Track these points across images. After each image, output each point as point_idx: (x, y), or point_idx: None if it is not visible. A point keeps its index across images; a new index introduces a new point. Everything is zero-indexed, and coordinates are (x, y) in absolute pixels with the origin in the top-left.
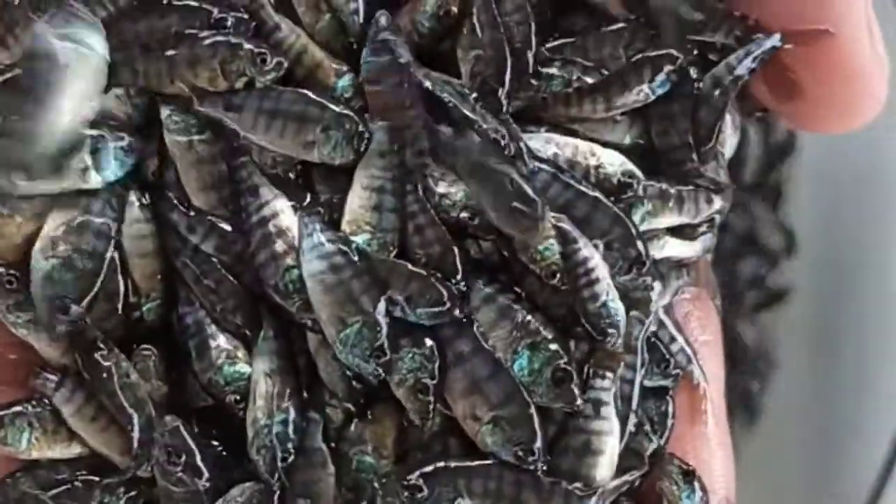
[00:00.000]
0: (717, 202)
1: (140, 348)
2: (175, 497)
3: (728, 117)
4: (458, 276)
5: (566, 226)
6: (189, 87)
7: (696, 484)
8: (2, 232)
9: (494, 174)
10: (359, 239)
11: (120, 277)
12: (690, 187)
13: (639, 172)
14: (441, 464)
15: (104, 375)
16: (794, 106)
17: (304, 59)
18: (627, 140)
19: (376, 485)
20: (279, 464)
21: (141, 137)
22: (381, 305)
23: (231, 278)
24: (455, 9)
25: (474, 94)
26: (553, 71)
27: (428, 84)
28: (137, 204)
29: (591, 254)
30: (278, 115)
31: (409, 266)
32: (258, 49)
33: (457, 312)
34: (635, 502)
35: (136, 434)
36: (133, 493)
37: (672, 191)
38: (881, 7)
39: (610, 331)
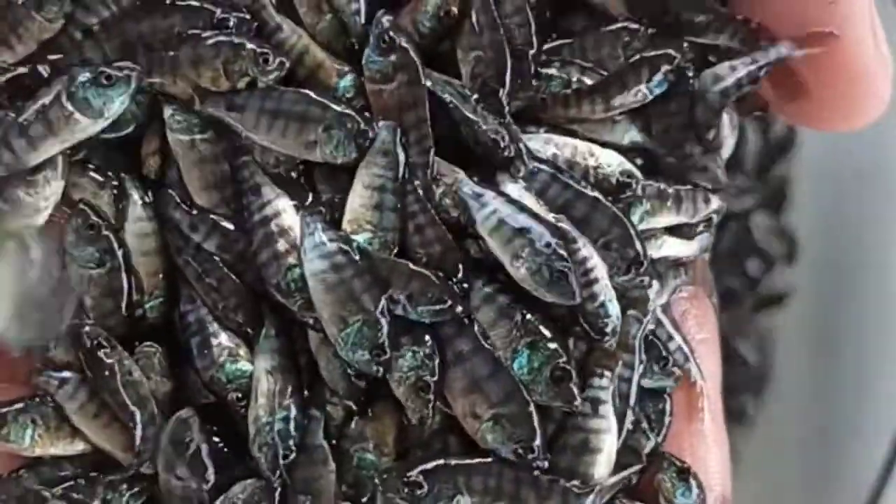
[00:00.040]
0: (715, 202)
1: (143, 346)
2: (178, 494)
3: (726, 117)
4: (459, 276)
5: (565, 226)
6: (192, 86)
7: (693, 481)
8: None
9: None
10: (360, 238)
11: (123, 275)
12: (688, 187)
13: (637, 172)
14: (441, 461)
15: (107, 373)
16: (798, 106)
17: (305, 60)
18: (626, 140)
19: (377, 481)
20: (280, 461)
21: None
22: (382, 304)
23: (233, 277)
24: (455, 9)
25: (475, 96)
26: (552, 72)
27: (429, 84)
28: (140, 202)
29: (590, 254)
30: (280, 115)
31: (410, 265)
32: (261, 49)
33: (457, 311)
34: (632, 499)
35: (138, 431)
36: (136, 490)
37: (670, 190)
38: (882, 8)
39: (607, 330)
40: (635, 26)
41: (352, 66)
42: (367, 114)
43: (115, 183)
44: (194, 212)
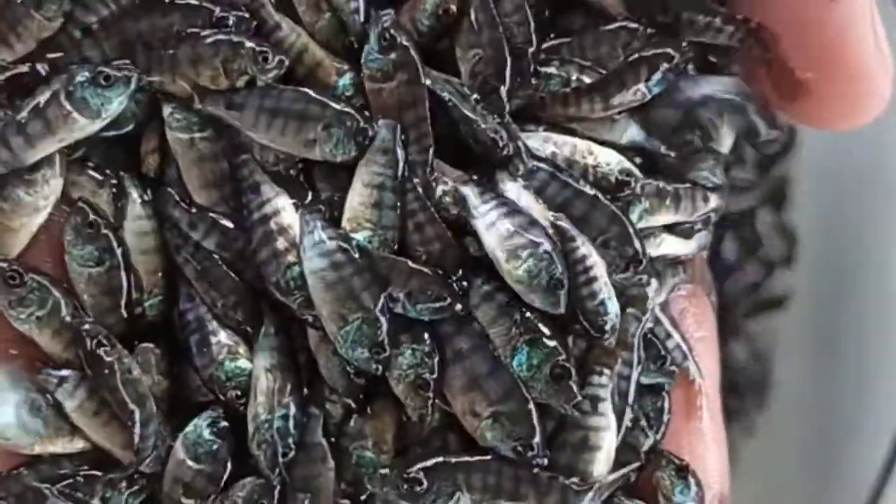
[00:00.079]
0: (714, 200)
1: (142, 344)
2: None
3: (724, 116)
4: (458, 274)
5: (564, 224)
6: (191, 85)
7: (691, 479)
8: (5, 227)
9: None
10: (359, 236)
11: (123, 273)
12: (687, 185)
13: (636, 171)
14: (440, 458)
15: (106, 371)
16: (799, 104)
17: (304, 58)
18: (625, 139)
19: (369, 479)
20: (280, 459)
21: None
22: (382, 302)
23: (232, 275)
24: (454, 7)
25: (474, 94)
26: (551, 70)
27: (429, 83)
28: (139, 201)
29: (589, 252)
30: (279, 114)
31: (410, 263)
32: (260, 48)
33: (457, 309)
34: (631, 497)
35: (137, 429)
36: (135, 488)
37: (669, 189)
38: (882, 7)
39: (606, 328)
40: (634, 25)
41: (351, 64)
42: (366, 112)
43: (114, 181)
44: (193, 210)
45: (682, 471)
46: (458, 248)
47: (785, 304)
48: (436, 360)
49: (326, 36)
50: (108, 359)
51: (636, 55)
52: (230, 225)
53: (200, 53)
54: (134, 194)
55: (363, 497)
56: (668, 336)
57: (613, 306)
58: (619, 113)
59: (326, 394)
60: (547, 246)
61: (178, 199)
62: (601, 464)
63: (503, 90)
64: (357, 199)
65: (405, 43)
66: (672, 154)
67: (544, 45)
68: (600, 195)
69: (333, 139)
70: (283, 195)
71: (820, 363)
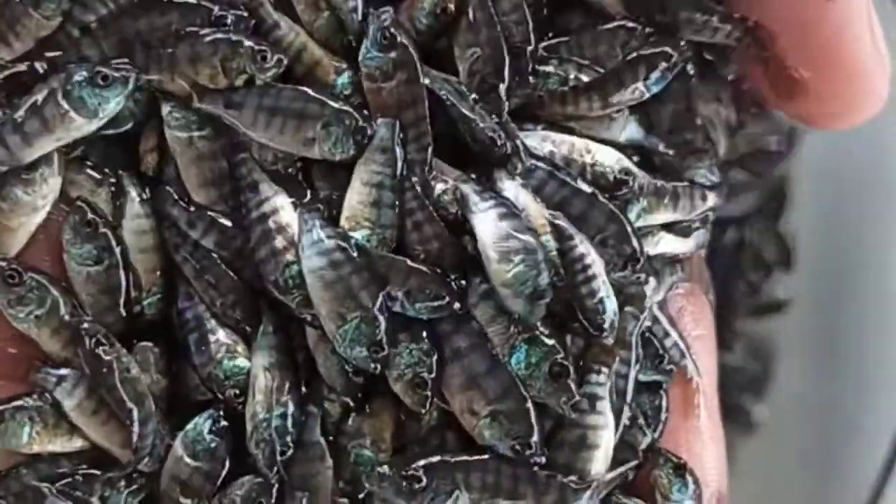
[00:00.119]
0: (711, 199)
1: (141, 343)
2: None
3: (721, 114)
4: (456, 272)
5: (563, 223)
6: (190, 84)
7: (689, 477)
8: (4, 226)
9: None
10: (358, 235)
11: (121, 272)
12: (685, 184)
13: (635, 169)
14: (439, 457)
15: (105, 370)
16: (797, 103)
17: (303, 57)
18: (623, 138)
19: (376, 473)
20: (278, 457)
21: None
22: (380, 301)
23: (231, 274)
24: (452, 6)
25: (472, 93)
26: (549, 69)
27: (427, 81)
28: (138, 199)
29: (588, 250)
30: (278, 112)
31: (408, 262)
32: (258, 46)
33: (455, 308)
34: (629, 495)
35: (135, 429)
36: (134, 487)
37: (667, 187)
38: (881, 6)
39: (605, 326)
40: (633, 24)
41: (349, 63)
42: (364, 111)
43: (112, 180)
44: (192, 209)
45: (680, 469)
46: (457, 246)
47: (784, 308)
48: (434, 358)
49: (325, 35)
50: (107, 358)
51: (635, 54)
52: (229, 223)
53: (199, 52)
54: (132, 193)
55: (361, 495)
56: (666, 334)
57: (612, 305)
58: (618, 111)
59: (325, 392)
60: (540, 255)
61: (176, 197)
62: (599, 462)
63: (501, 89)
64: (356, 197)
65: (404, 42)
66: (670, 153)
67: (542, 44)
68: (598, 194)
69: (332, 138)
70: (281, 194)
71: (820, 363)
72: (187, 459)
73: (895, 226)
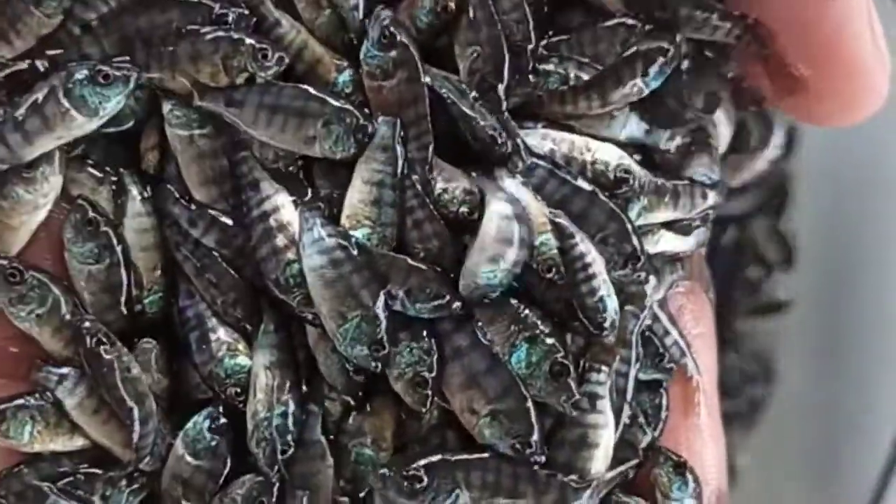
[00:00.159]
0: (712, 197)
1: (142, 341)
2: (181, 490)
3: (721, 111)
4: (457, 271)
5: (563, 221)
6: (191, 82)
7: (689, 475)
8: (5, 225)
9: None
10: (359, 233)
11: (123, 271)
12: (686, 182)
13: (635, 167)
14: (440, 456)
15: (105, 369)
16: (796, 101)
17: (304, 55)
18: (623, 136)
19: (375, 475)
20: (279, 456)
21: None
22: (381, 300)
23: (232, 272)
24: (453, 5)
25: (473, 91)
26: (550, 67)
27: (428, 80)
28: (139, 198)
29: (588, 249)
30: (279, 111)
31: (409, 260)
32: (259, 45)
33: (454, 307)
34: (629, 494)
35: (136, 428)
36: (135, 486)
37: (668, 185)
38: (881, 4)
39: (606, 325)
40: (632, 22)
41: (350, 61)
42: (365, 109)
43: (113, 178)
44: (193, 207)
45: (680, 467)
46: (457, 245)
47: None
48: (434, 357)
49: (326, 33)
50: (108, 357)
51: (632, 50)
52: (230, 222)
53: (200, 50)
54: (133, 191)
55: (362, 494)
56: (667, 333)
57: (612, 303)
58: (618, 109)
59: (325, 391)
60: (515, 269)
61: (177, 195)
62: (599, 461)
63: (501, 88)
64: (356, 196)
65: (404, 40)
66: (670, 150)
67: (543, 43)
68: (599, 192)
69: (333, 136)
70: (282, 192)
71: (821, 364)
72: (188, 458)
73: (895, 224)
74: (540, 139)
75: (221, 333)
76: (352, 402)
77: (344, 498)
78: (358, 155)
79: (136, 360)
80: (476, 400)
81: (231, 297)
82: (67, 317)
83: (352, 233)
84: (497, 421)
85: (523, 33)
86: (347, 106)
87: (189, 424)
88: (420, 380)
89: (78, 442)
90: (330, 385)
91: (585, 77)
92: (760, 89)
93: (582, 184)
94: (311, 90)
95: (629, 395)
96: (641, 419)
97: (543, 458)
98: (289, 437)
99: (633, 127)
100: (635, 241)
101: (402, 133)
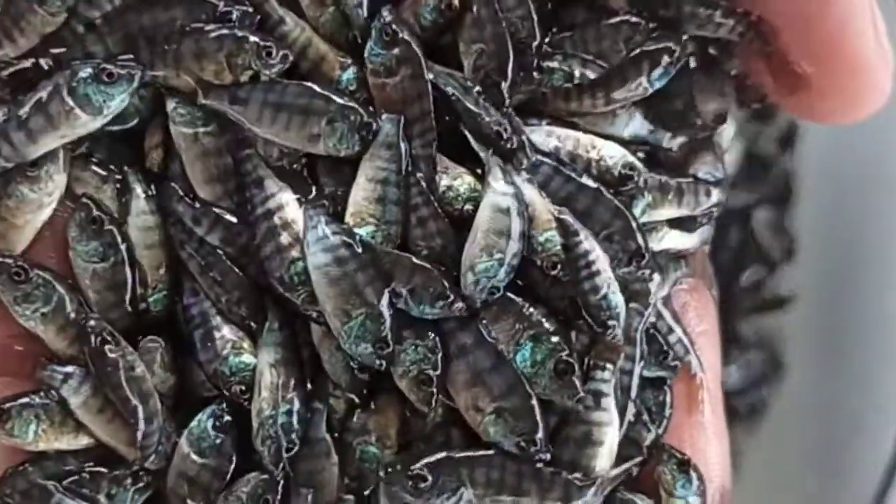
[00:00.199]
0: (716, 194)
1: (147, 340)
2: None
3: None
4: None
5: (568, 218)
6: (195, 79)
7: (693, 473)
8: (10, 223)
9: None
10: (363, 231)
11: (127, 269)
12: (690, 179)
13: (640, 165)
14: (444, 454)
15: (109, 368)
16: (799, 98)
17: (308, 53)
18: (627, 133)
19: (381, 473)
20: (284, 454)
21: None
22: (385, 297)
23: (236, 270)
24: (457, 2)
25: (477, 88)
26: (554, 64)
27: (432, 77)
28: (143, 196)
29: (592, 246)
30: (283, 108)
31: (413, 259)
32: (264, 42)
33: (458, 307)
34: (633, 491)
35: (141, 427)
36: (140, 485)
37: (672, 183)
38: (884, 2)
39: (610, 323)
40: (636, 20)
41: (354, 58)
42: (370, 107)
43: (118, 176)
44: (197, 205)
45: (684, 465)
46: (461, 243)
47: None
48: (439, 355)
49: (330, 30)
50: (112, 356)
51: (638, 50)
52: (234, 220)
53: (204, 48)
54: (138, 189)
55: (367, 492)
56: (670, 330)
57: (617, 301)
58: (622, 107)
59: (330, 389)
60: (510, 264)
61: (181, 194)
62: (604, 459)
63: (506, 85)
64: (361, 193)
65: (408, 38)
66: (674, 148)
67: (546, 40)
68: (603, 189)
69: (337, 133)
70: (286, 190)
71: (824, 362)
72: (194, 457)
73: None
74: (545, 136)
75: (226, 331)
76: (356, 400)
77: (349, 496)
78: (362, 152)
79: (140, 359)
80: (481, 397)
81: (235, 295)
82: (72, 315)
83: (356, 230)
84: (502, 419)
85: (528, 30)
86: (351, 103)
87: (193, 423)
88: (424, 378)
89: (83, 440)
90: (334, 383)
91: (589, 74)
92: (763, 86)
93: (587, 181)
94: (316, 88)
95: (634, 393)
96: (645, 417)
97: (548, 456)
98: (293, 435)
99: (637, 125)
100: (640, 238)
101: (406, 130)
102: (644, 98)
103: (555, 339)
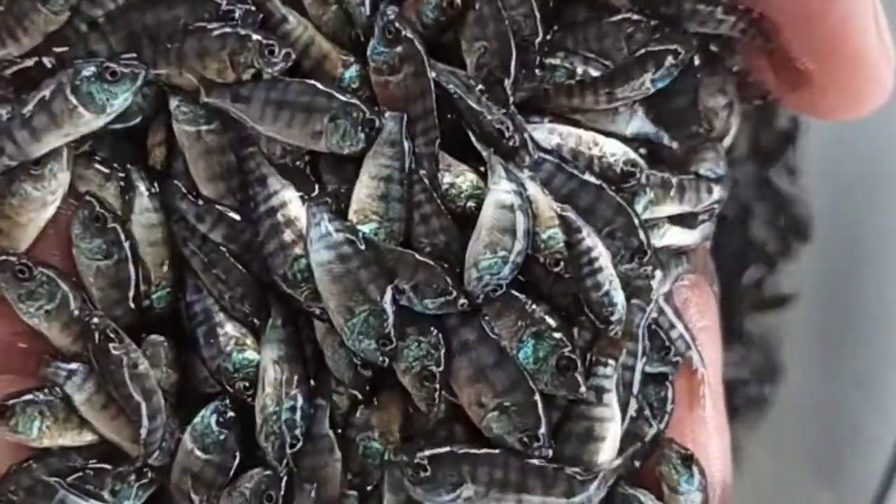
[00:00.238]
0: (717, 191)
1: (150, 337)
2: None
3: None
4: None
5: (570, 215)
6: (198, 78)
7: (695, 468)
8: (14, 221)
9: None
10: (366, 228)
11: (131, 266)
12: (691, 176)
13: (641, 162)
14: (447, 449)
15: (112, 366)
16: (801, 95)
17: (311, 51)
18: (629, 131)
19: (387, 457)
20: (287, 450)
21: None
22: (388, 294)
23: (239, 267)
24: (459, 0)
25: (480, 86)
26: (556, 62)
27: (434, 75)
28: (147, 193)
29: (595, 243)
30: (286, 106)
31: (416, 256)
32: (266, 41)
33: (460, 304)
34: (635, 486)
35: (144, 423)
36: (144, 481)
37: (674, 180)
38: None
39: (612, 319)
40: (638, 17)
41: (357, 56)
42: (373, 105)
43: (121, 174)
44: (200, 202)
45: (686, 460)
46: (464, 240)
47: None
48: (442, 351)
49: (332, 28)
50: (116, 353)
51: (643, 50)
52: (237, 217)
53: (207, 46)
54: (141, 187)
55: (370, 487)
56: (672, 326)
57: (619, 297)
58: (624, 105)
59: (333, 385)
60: (514, 261)
61: (185, 191)
62: (606, 454)
63: (509, 82)
64: (364, 191)
65: (410, 35)
66: (676, 145)
67: (548, 37)
68: (606, 186)
69: (340, 131)
70: (289, 187)
71: (824, 363)
72: (197, 452)
73: None
74: (547, 133)
75: (229, 328)
76: (359, 396)
77: (352, 491)
78: (365, 150)
79: (144, 356)
80: (484, 393)
81: (239, 292)
82: (76, 313)
83: (359, 228)
84: (505, 414)
85: (530, 28)
86: (354, 101)
87: (197, 419)
88: (428, 374)
89: (87, 437)
90: (337, 379)
91: (591, 72)
92: (765, 83)
93: (589, 178)
94: (318, 85)
95: (636, 389)
96: (647, 412)
97: (550, 453)
98: (297, 431)
99: (639, 122)
100: (642, 235)
101: (409, 128)
102: (647, 97)
103: (557, 335)
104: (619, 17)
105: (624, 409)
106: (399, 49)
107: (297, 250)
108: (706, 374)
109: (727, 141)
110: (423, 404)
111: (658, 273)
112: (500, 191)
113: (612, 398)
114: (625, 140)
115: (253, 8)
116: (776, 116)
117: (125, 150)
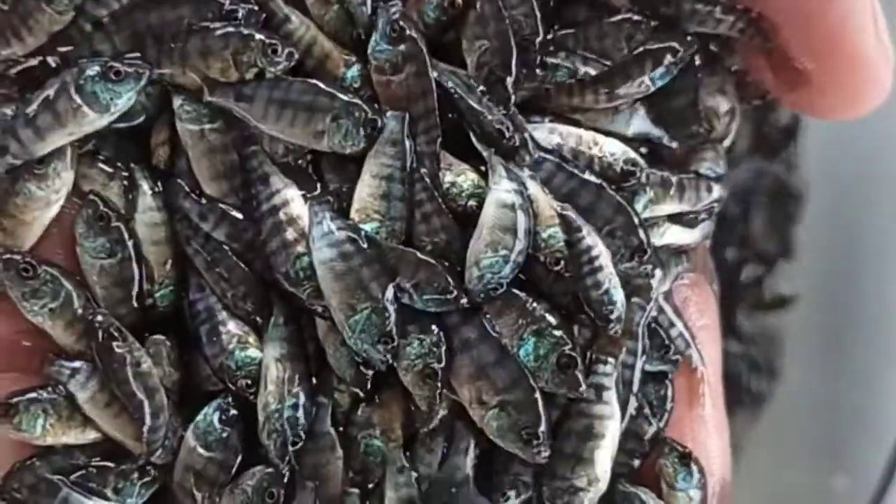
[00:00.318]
0: (717, 190)
1: (153, 336)
2: (191, 483)
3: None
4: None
5: (570, 214)
6: (201, 77)
7: (694, 466)
8: (18, 220)
9: None
10: (368, 227)
11: (134, 265)
12: (691, 175)
13: (641, 161)
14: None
15: (116, 365)
16: (800, 94)
17: (313, 50)
18: (629, 130)
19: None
20: (289, 448)
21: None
22: (390, 292)
23: (242, 265)
24: (460, 0)
25: (480, 86)
26: (557, 61)
27: (435, 74)
28: (150, 192)
29: (595, 242)
30: (288, 105)
31: (418, 254)
32: (269, 40)
33: (461, 303)
34: (635, 484)
35: (147, 421)
36: (147, 479)
37: (673, 179)
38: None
39: (612, 317)
40: (638, 17)
41: (359, 56)
42: (374, 104)
43: (124, 174)
44: (203, 201)
45: (685, 458)
46: (465, 239)
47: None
48: (443, 349)
49: (335, 28)
50: (119, 351)
51: (642, 49)
52: (240, 216)
53: (210, 46)
54: (144, 186)
55: (371, 485)
56: (672, 325)
57: (619, 296)
58: (624, 104)
59: (335, 383)
60: (515, 260)
61: (188, 190)
62: (605, 451)
63: (510, 81)
64: (366, 190)
65: (412, 35)
66: (676, 144)
67: (549, 37)
68: (606, 185)
69: (342, 130)
70: (292, 186)
71: (825, 361)
72: (200, 450)
73: None
74: (547, 133)
75: (232, 326)
76: (361, 394)
77: (353, 489)
78: (367, 149)
79: (147, 354)
80: (485, 391)
81: (241, 291)
82: (79, 311)
83: (361, 226)
84: (505, 412)
85: (531, 27)
86: (356, 100)
87: (199, 416)
88: (429, 372)
89: (90, 435)
90: (339, 377)
91: (592, 71)
92: (763, 83)
93: (589, 177)
94: (321, 85)
95: (635, 387)
96: (647, 410)
97: (549, 451)
98: (299, 429)
99: (639, 121)
100: (642, 234)
101: (410, 127)
102: (646, 95)
103: (558, 333)
104: (620, 17)
105: (624, 407)
106: (402, 48)
107: (300, 248)
108: (706, 373)
109: (727, 142)
110: (424, 402)
111: (658, 272)
112: (501, 190)
113: (611, 396)
114: (625, 139)
115: (256, 8)
116: (776, 112)
117: (129, 149)
